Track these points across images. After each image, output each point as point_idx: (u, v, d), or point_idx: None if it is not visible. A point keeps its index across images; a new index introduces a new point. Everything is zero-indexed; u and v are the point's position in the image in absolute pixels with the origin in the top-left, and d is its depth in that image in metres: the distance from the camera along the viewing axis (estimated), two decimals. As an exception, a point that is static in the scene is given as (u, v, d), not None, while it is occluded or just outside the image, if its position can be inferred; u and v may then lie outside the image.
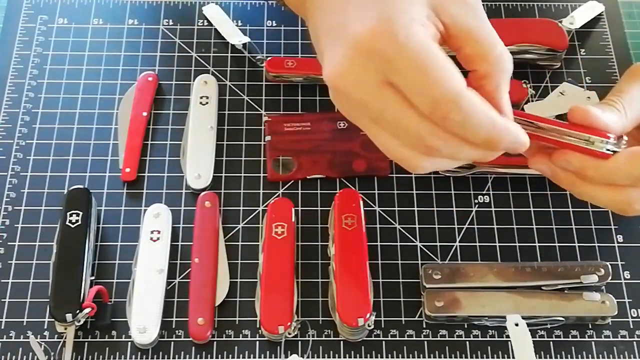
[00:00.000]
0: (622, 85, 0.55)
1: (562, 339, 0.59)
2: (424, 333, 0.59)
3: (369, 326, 0.57)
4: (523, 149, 0.48)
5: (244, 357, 0.57)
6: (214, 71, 0.71)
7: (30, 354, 0.57)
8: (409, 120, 0.45)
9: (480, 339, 0.58)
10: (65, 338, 0.57)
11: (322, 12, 0.49)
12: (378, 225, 0.63)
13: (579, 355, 0.58)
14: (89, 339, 0.58)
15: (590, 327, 0.59)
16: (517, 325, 0.57)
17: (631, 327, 0.59)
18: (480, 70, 0.47)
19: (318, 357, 0.57)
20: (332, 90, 0.47)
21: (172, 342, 0.58)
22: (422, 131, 0.45)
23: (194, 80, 0.69)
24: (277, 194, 0.64)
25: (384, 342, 0.58)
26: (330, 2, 0.48)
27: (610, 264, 0.60)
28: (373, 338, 0.58)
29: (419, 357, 0.58)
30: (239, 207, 0.64)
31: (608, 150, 0.50)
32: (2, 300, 0.59)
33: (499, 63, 0.47)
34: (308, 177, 0.65)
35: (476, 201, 0.64)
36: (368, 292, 0.57)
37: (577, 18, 0.72)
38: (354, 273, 0.58)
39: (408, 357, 0.58)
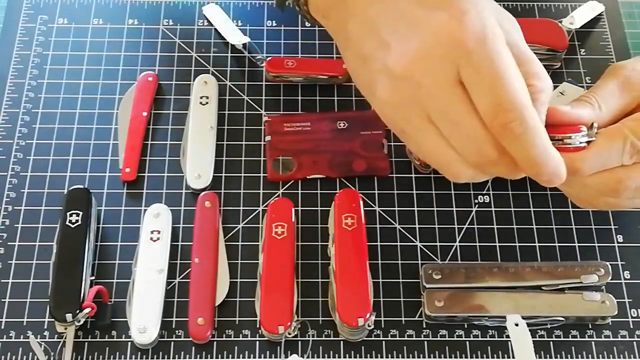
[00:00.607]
0: (599, 82, 0.55)
1: (562, 339, 0.59)
2: (424, 333, 0.59)
3: (369, 326, 0.57)
4: (558, 182, 0.47)
5: (244, 357, 0.57)
6: (214, 71, 0.71)
7: (30, 354, 0.57)
8: (472, 123, 0.45)
9: (480, 339, 0.58)
10: (65, 338, 0.57)
11: (382, 2, 0.48)
12: (378, 225, 0.63)
13: (579, 355, 0.58)
14: (89, 339, 0.58)
15: (590, 327, 0.59)
16: (517, 325, 0.57)
17: (631, 327, 0.59)
18: (538, 85, 0.47)
19: (318, 357, 0.57)
20: (397, 81, 0.46)
21: (172, 342, 0.58)
22: (481, 137, 0.45)
23: (194, 80, 0.69)
24: (277, 194, 0.64)
25: (384, 342, 0.58)
26: None
27: (610, 264, 0.60)
28: (373, 338, 0.58)
29: (419, 357, 0.58)
30: (239, 207, 0.64)
31: (582, 142, 0.50)
32: (2, 300, 0.59)
33: (548, 81, 0.48)
34: (308, 177, 0.65)
35: (476, 201, 0.64)
36: (368, 292, 0.57)
37: (577, 18, 0.72)
38: (354, 273, 0.58)
39: (408, 357, 0.58)
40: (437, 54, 0.45)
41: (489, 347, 0.58)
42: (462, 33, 0.44)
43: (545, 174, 0.46)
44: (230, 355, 0.57)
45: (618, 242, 0.63)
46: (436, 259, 0.62)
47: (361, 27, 0.50)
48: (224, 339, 0.58)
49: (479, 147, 0.45)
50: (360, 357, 0.58)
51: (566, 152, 0.50)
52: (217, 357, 0.57)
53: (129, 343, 0.58)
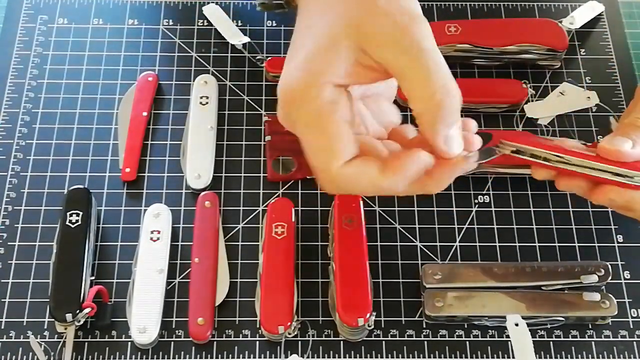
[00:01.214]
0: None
1: (562, 339, 0.59)
2: (424, 333, 0.59)
3: (369, 326, 0.57)
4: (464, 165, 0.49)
5: (244, 357, 0.57)
6: (214, 71, 0.71)
7: (30, 354, 0.57)
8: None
9: (480, 339, 0.58)
10: (65, 338, 0.57)
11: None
12: (378, 225, 0.63)
13: (579, 355, 0.58)
14: (89, 339, 0.58)
15: (590, 327, 0.59)
16: (517, 325, 0.57)
17: (631, 327, 0.59)
18: (415, 109, 0.46)
19: (318, 357, 0.57)
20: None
21: (172, 342, 0.58)
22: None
23: (194, 80, 0.69)
24: (277, 194, 0.64)
25: (384, 342, 0.58)
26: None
27: (610, 264, 0.60)
28: (373, 338, 0.58)
29: (419, 357, 0.58)
30: (239, 207, 0.64)
31: None
32: (2, 300, 0.59)
33: (431, 101, 0.45)
34: (308, 177, 0.65)
35: (476, 201, 0.64)
36: (368, 292, 0.57)
37: (577, 18, 0.72)
38: (354, 273, 0.58)
39: (408, 357, 0.58)
40: (283, 105, 0.48)
41: (489, 347, 0.58)
42: (294, 91, 0.47)
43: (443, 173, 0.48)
44: (230, 355, 0.57)
45: (618, 242, 0.63)
46: (436, 259, 0.62)
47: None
48: (224, 339, 0.58)
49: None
50: (360, 357, 0.58)
51: (626, 188, 0.51)
52: (217, 357, 0.57)
53: (129, 343, 0.58)
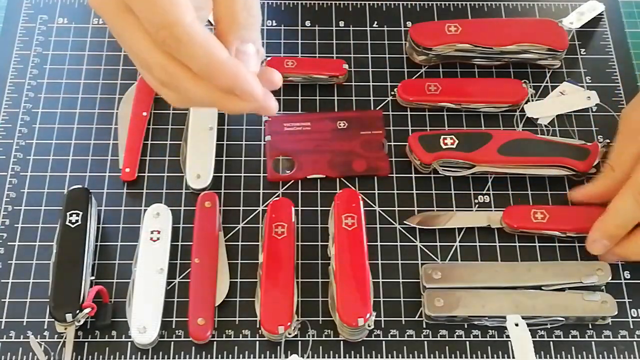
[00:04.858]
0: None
1: (562, 339, 0.59)
2: (424, 333, 0.59)
3: (369, 326, 0.57)
4: (254, 104, 0.48)
5: (244, 357, 0.57)
6: (214, 71, 0.70)
7: (30, 354, 0.57)
8: (139, 44, 0.46)
9: (480, 339, 0.58)
10: (65, 338, 0.57)
11: None
12: (378, 225, 0.63)
13: (579, 355, 0.58)
14: (89, 339, 0.58)
15: (590, 327, 0.59)
16: (517, 325, 0.57)
17: (631, 327, 0.59)
18: (218, 13, 0.48)
19: (318, 357, 0.57)
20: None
21: (172, 342, 0.58)
22: (148, 58, 0.46)
23: (194, 80, 0.69)
24: (277, 194, 0.64)
25: (384, 342, 0.58)
26: None
27: (610, 264, 0.60)
28: (373, 338, 0.58)
29: (419, 357, 0.58)
30: (239, 207, 0.64)
31: None
32: (2, 300, 0.59)
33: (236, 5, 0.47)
34: (308, 177, 0.65)
35: (476, 201, 0.64)
36: (368, 292, 0.57)
37: (578, 18, 0.72)
38: (354, 273, 0.58)
39: (408, 357, 0.58)
40: None
41: (489, 347, 0.58)
42: None
43: (236, 86, 0.46)
44: (230, 356, 0.57)
45: (618, 242, 0.63)
46: (436, 259, 0.62)
47: None
48: (224, 339, 0.58)
49: (149, 65, 0.46)
50: (360, 357, 0.58)
51: None
52: (217, 357, 0.57)
53: (129, 343, 0.58)
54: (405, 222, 0.62)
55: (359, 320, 0.56)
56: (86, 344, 0.58)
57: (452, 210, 0.64)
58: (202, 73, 0.46)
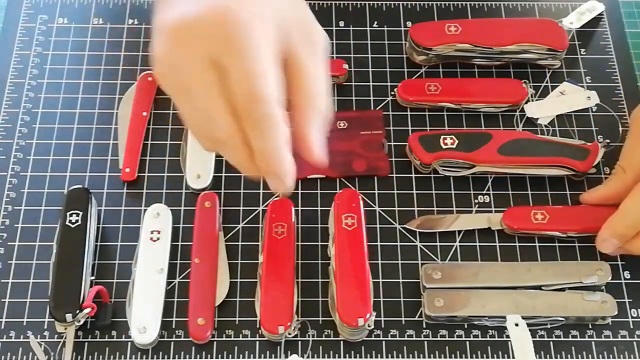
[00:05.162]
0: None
1: (562, 339, 0.59)
2: (424, 333, 0.59)
3: (369, 326, 0.57)
4: (282, 188, 0.50)
5: (244, 357, 0.57)
6: (214, 71, 0.70)
7: (30, 354, 0.57)
8: (214, 107, 0.46)
9: (480, 339, 0.58)
10: (65, 338, 0.57)
11: None
12: (378, 225, 0.63)
13: (579, 355, 0.58)
14: (89, 339, 0.58)
15: (590, 327, 0.59)
16: (517, 325, 0.57)
17: (631, 327, 0.59)
18: (294, 100, 0.49)
19: (318, 357, 0.58)
20: (165, 39, 0.46)
21: (172, 342, 0.58)
22: (218, 122, 0.46)
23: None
24: (277, 194, 0.64)
25: (384, 342, 0.58)
26: None
27: (610, 264, 0.60)
28: (373, 338, 0.58)
29: (419, 357, 0.58)
30: (239, 207, 0.64)
31: None
32: (2, 300, 0.59)
33: (314, 99, 0.49)
34: (308, 177, 0.65)
35: (476, 201, 0.64)
36: (368, 292, 0.57)
37: (578, 18, 0.72)
38: (354, 273, 0.58)
39: (408, 357, 0.58)
40: (197, 29, 0.45)
41: (489, 347, 0.58)
42: (229, 17, 0.44)
43: (273, 171, 0.48)
44: (230, 356, 0.57)
45: (618, 242, 0.63)
46: (436, 259, 0.62)
47: None
48: (224, 339, 0.58)
49: (213, 124, 0.47)
50: (360, 357, 0.58)
51: None
52: (217, 357, 0.57)
53: (129, 343, 0.58)
54: (405, 225, 0.62)
55: (359, 320, 0.56)
56: (86, 344, 0.58)
57: (453, 210, 0.64)
58: (259, 151, 0.47)
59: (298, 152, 0.49)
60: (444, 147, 0.64)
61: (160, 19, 0.47)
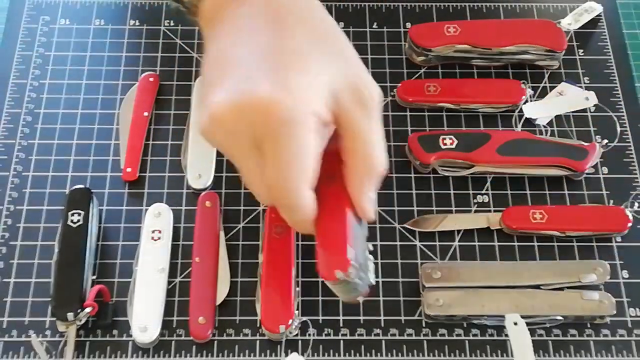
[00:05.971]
0: None
1: (561, 338, 0.59)
2: (424, 332, 0.59)
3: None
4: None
5: (244, 356, 0.58)
6: (214, 72, 0.71)
7: (32, 353, 0.57)
8: (253, 178, 0.49)
9: (479, 338, 0.59)
10: (67, 337, 0.57)
11: (219, 44, 0.50)
12: (378, 225, 0.63)
13: (578, 354, 0.58)
14: (90, 338, 0.58)
15: (588, 326, 0.59)
16: (516, 324, 0.58)
17: (629, 326, 0.59)
18: (349, 164, 0.49)
19: (318, 355, 0.58)
20: (209, 120, 0.47)
21: (173, 341, 0.58)
22: (255, 190, 0.50)
23: (195, 81, 0.69)
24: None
25: (383, 341, 0.58)
26: (230, 45, 0.49)
27: (608, 263, 0.60)
28: (373, 337, 0.59)
29: (418, 356, 0.58)
30: (240, 207, 0.64)
31: None
32: (4, 299, 0.59)
33: (368, 163, 0.49)
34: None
35: (475, 201, 0.65)
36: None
37: (576, 19, 0.72)
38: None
39: (407, 356, 0.58)
40: (243, 116, 0.46)
41: (488, 347, 0.58)
42: (273, 108, 0.45)
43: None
44: (231, 355, 0.58)
45: (616, 242, 0.63)
46: (436, 258, 0.62)
47: (212, 53, 0.51)
48: (224, 338, 0.58)
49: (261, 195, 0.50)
50: (360, 356, 0.58)
51: None
52: (217, 356, 0.58)
53: (130, 342, 0.58)
54: (405, 225, 0.63)
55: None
56: (87, 343, 0.58)
57: (452, 210, 0.64)
58: (291, 223, 0.50)
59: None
60: (443, 147, 0.64)
61: (206, 96, 0.48)
